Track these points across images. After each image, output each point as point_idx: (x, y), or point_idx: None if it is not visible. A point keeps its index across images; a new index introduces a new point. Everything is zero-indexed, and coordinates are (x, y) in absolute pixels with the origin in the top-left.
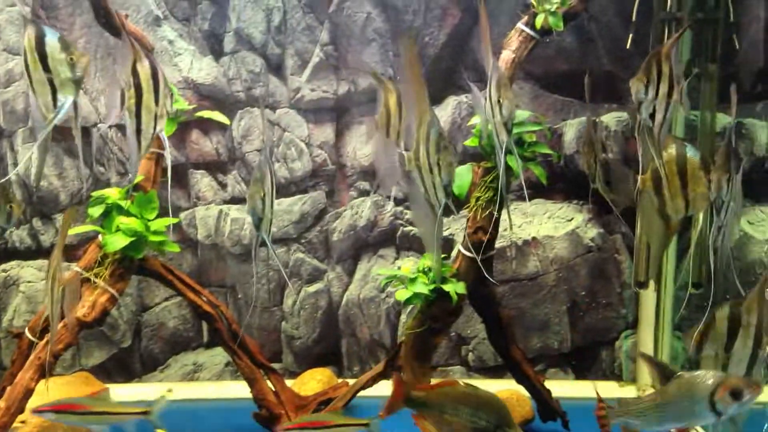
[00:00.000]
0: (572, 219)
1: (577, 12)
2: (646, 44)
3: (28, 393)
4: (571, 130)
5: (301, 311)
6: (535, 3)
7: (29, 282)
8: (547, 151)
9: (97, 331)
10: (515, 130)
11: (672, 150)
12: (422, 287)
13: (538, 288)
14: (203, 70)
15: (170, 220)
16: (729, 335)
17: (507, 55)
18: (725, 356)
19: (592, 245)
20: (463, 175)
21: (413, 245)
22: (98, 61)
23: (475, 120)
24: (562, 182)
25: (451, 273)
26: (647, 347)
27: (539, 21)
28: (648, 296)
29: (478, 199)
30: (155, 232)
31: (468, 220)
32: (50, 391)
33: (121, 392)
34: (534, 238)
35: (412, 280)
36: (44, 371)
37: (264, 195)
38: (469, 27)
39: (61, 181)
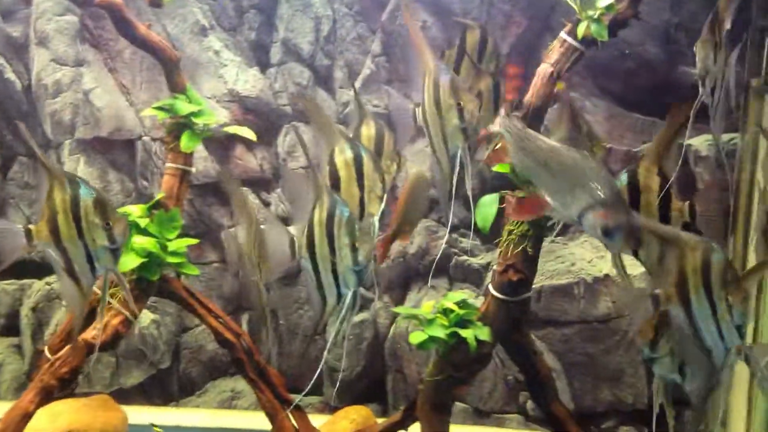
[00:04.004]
0: None
1: (626, 19)
2: (743, 56)
3: (27, 416)
4: None
5: (345, 342)
6: (577, 8)
7: None
8: None
9: (136, 351)
10: None
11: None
12: (439, 330)
13: (611, 332)
14: (249, 82)
15: (190, 241)
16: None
17: (544, 69)
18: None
19: None
20: (489, 205)
21: (468, 277)
22: (144, 72)
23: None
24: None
25: (477, 316)
26: (740, 409)
27: (581, 29)
28: None
29: (510, 232)
30: (173, 253)
31: (498, 256)
32: (64, 414)
33: (159, 418)
34: (607, 276)
35: (430, 322)
36: (46, 394)
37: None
38: (536, 36)
39: (105, 194)
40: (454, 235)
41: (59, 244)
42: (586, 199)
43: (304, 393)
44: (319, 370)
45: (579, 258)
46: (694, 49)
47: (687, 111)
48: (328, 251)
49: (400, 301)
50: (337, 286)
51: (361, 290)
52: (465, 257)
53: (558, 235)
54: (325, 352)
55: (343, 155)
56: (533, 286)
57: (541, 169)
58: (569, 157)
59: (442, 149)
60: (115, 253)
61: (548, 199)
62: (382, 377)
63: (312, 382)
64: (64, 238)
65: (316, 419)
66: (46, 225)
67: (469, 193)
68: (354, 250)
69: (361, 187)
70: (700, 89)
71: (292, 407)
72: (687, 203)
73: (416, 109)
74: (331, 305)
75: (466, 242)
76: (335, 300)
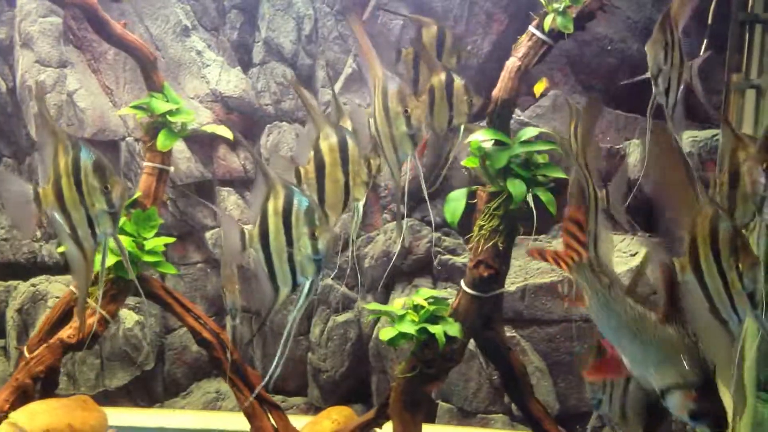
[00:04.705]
0: (636, 253)
1: (593, 11)
2: (724, 50)
3: (1, 415)
4: (636, 150)
5: (329, 342)
6: (544, 1)
7: (57, 297)
8: (560, 174)
9: (121, 352)
10: (522, 149)
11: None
12: (409, 327)
13: (595, 331)
14: (231, 82)
15: (166, 240)
16: None
17: (512, 63)
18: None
19: None
20: (458, 200)
21: (452, 275)
22: (127, 72)
23: (475, 136)
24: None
25: (448, 312)
26: (727, 410)
27: (548, 22)
28: None
29: (481, 228)
30: (150, 252)
31: (471, 251)
32: (42, 414)
33: (144, 419)
34: None
35: (400, 318)
36: (21, 393)
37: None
38: (517, 34)
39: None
40: (438, 234)
41: (64, 208)
42: (673, 377)
43: (262, 384)
44: (274, 365)
45: None
46: (645, 49)
47: (598, 108)
48: (285, 241)
49: (383, 301)
50: (294, 275)
51: (345, 289)
52: (448, 256)
53: (541, 233)
54: (281, 345)
55: (327, 140)
56: (519, 285)
57: (625, 332)
58: (660, 329)
59: (393, 157)
60: (114, 217)
61: (626, 362)
62: (367, 377)
63: (269, 375)
64: (67, 202)
65: (301, 420)
66: (51, 189)
67: (425, 194)
68: (314, 238)
69: (345, 172)
70: (654, 89)
71: (265, 404)
72: (604, 191)
73: (369, 119)
74: (284, 295)
75: (449, 241)
76: (289, 290)
